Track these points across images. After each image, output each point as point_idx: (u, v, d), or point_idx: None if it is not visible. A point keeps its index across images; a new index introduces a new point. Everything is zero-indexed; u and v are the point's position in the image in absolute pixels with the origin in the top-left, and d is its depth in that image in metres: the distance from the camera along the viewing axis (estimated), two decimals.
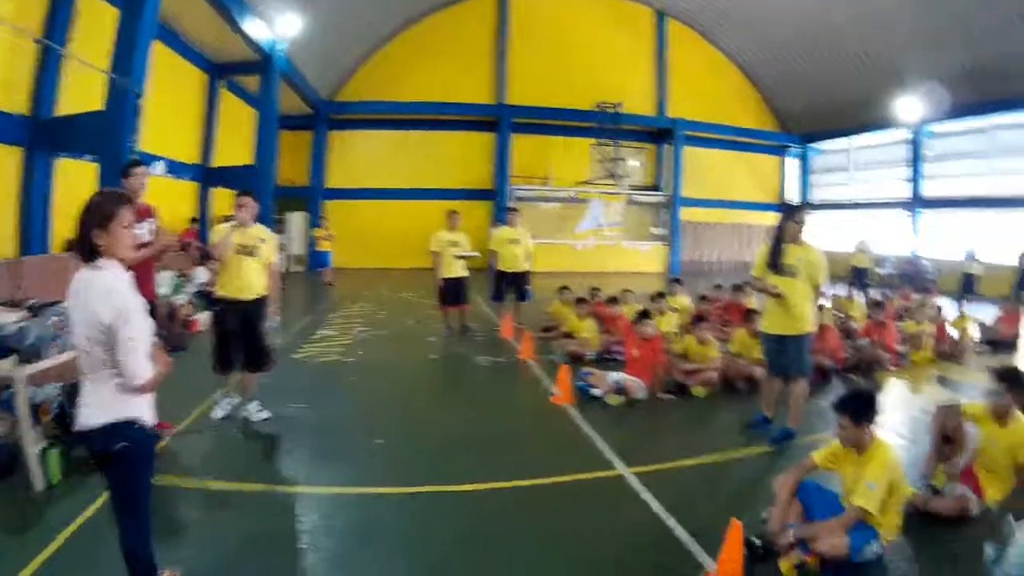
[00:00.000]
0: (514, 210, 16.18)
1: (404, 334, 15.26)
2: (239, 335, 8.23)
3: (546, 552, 5.45)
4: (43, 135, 13.91)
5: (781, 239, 8.14)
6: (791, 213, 8.27)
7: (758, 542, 5.22)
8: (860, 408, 5.34)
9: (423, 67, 32.47)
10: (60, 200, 14.34)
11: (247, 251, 8.25)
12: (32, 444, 6.32)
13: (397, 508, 6.18)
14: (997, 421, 6.20)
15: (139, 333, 3.80)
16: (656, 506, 6.20)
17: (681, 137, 34.94)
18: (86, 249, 3.80)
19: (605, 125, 32.46)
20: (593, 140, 33.14)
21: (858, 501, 5.07)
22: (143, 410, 4.00)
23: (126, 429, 3.88)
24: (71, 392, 7.30)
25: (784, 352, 8.14)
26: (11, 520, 5.76)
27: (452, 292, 14.61)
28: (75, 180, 14.55)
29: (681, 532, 5.69)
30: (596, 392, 9.90)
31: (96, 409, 3.86)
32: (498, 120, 32.88)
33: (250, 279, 8.28)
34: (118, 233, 3.86)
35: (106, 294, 3.72)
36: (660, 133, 35.70)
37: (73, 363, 6.54)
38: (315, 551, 5.28)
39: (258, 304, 8.40)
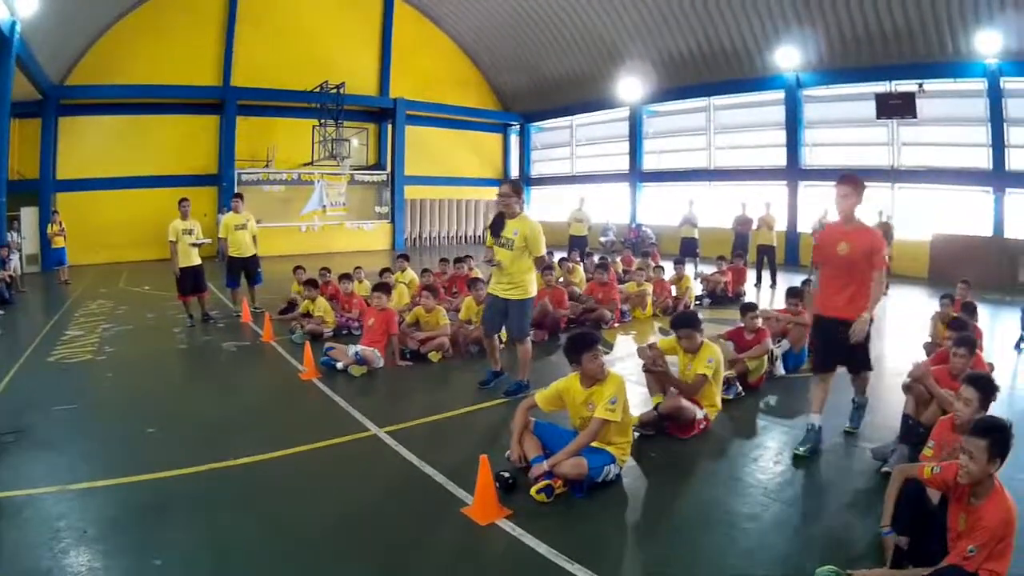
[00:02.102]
0: (239, 195, 16.47)
1: (149, 327, 15.34)
2: None
3: (316, 506, 6.06)
4: None
5: (501, 213, 9.13)
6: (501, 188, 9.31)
7: (506, 474, 6.05)
8: (579, 346, 6.34)
9: (153, 49, 31.15)
10: None
11: None
12: None
13: (184, 487, 6.47)
14: (687, 353, 7.98)
15: None
16: (411, 457, 7.02)
17: (402, 116, 35.74)
18: None
19: (327, 105, 32.64)
20: (315, 121, 33.20)
21: (601, 414, 6.08)
22: None
23: None
24: None
25: (504, 314, 9.21)
26: None
27: (191, 281, 14.74)
28: None
29: (437, 475, 6.49)
30: (340, 365, 10.66)
31: None
32: (223, 103, 32.31)
33: None
34: None
35: None
36: (383, 113, 36.31)
37: None
38: (120, 537, 5.47)
39: None
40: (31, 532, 5.58)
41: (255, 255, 15.82)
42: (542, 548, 5.09)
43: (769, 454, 7.18)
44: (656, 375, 7.84)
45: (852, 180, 6.95)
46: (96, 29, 30.24)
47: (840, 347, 6.94)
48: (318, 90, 32.83)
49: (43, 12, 22.19)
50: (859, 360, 7.25)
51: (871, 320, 6.88)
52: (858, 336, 6.71)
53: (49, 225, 24.96)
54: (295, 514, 5.91)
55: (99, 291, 20.99)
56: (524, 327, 9.17)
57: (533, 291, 9.25)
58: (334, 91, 32.47)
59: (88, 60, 30.43)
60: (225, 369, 11.94)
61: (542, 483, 5.81)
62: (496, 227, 9.12)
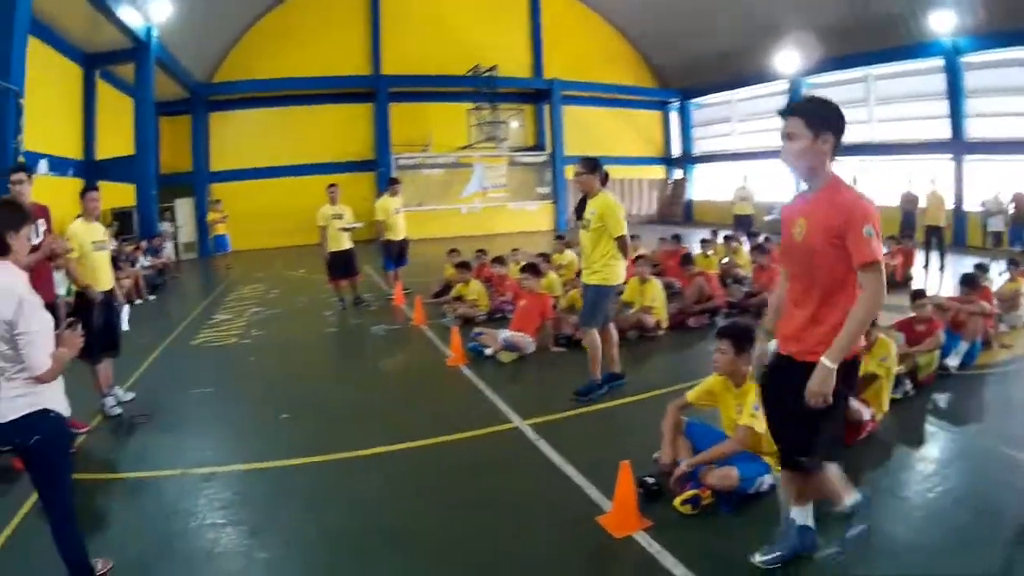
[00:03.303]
0: (395, 180, 16.37)
1: (299, 310, 15.50)
2: (101, 326, 8.24)
3: (448, 504, 5.71)
4: None
5: (585, 194, 8.42)
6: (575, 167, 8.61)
7: (651, 480, 5.48)
8: (742, 336, 5.47)
9: (297, 42, 31.96)
10: None
11: (101, 245, 8.39)
12: None
13: (307, 477, 6.36)
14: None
15: (38, 326, 3.93)
16: (552, 453, 6.47)
17: (558, 97, 35.06)
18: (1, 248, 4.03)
19: (481, 89, 32.46)
20: (470, 104, 33.09)
21: (745, 421, 5.35)
22: (55, 400, 4.12)
23: (38, 420, 3.98)
24: None
25: (584, 302, 8.47)
26: None
27: (341, 265, 14.70)
28: None
29: (577, 476, 5.94)
30: (488, 351, 10.21)
31: (5, 404, 3.95)
32: (375, 91, 32.66)
33: (107, 272, 8.50)
34: (23, 240, 4.16)
35: (4, 291, 3.88)
36: (538, 94, 35.83)
37: None
38: (232, 524, 5.39)
39: (112, 294, 8.59)
40: (148, 513, 5.72)
41: (406, 238, 15.72)
42: (679, 570, 4.48)
43: (935, 468, 6.16)
44: None
45: (799, 111, 4.08)
46: (237, 28, 31.34)
47: (783, 409, 4.25)
48: (470, 74, 32.60)
49: (179, 16, 23.18)
50: (791, 440, 4.26)
51: (839, 370, 3.85)
52: (811, 399, 3.85)
53: (210, 213, 26.01)
54: (416, 511, 5.63)
55: (254, 276, 21.44)
56: (593, 316, 8.20)
57: (615, 278, 8.20)
58: (486, 74, 32.30)
59: (233, 58, 31.61)
60: (371, 353, 11.78)
61: (688, 493, 5.21)
62: (579, 209, 8.46)
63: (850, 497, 4.68)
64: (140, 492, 6.25)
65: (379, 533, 5.25)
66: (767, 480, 5.37)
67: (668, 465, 5.63)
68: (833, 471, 4.57)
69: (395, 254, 15.64)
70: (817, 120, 3.98)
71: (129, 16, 20.20)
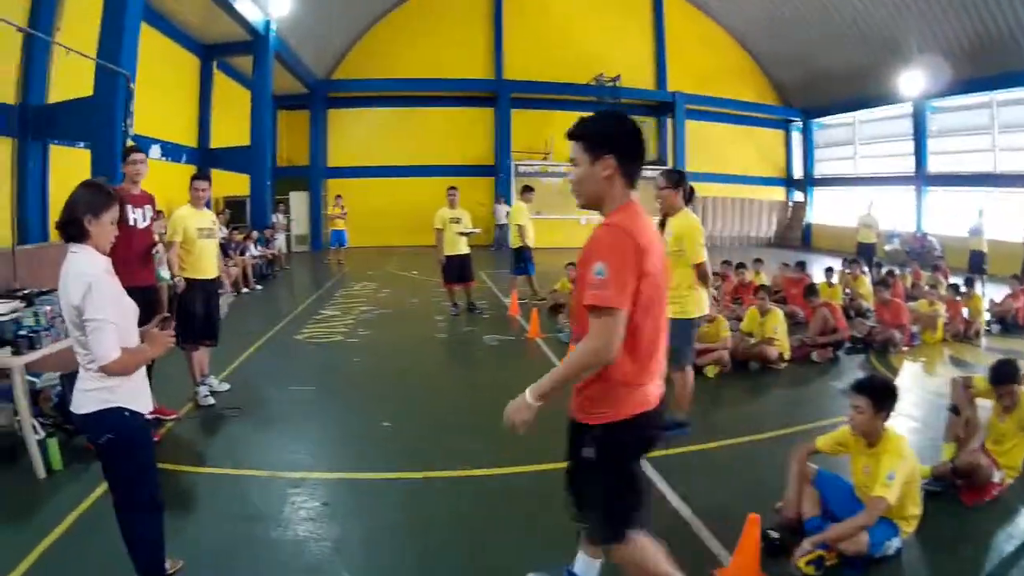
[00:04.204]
0: (529, 188, 16.01)
1: (410, 313, 15.28)
2: (202, 314, 8.25)
3: (550, 538, 5.05)
4: (34, 123, 13.77)
5: (666, 213, 7.52)
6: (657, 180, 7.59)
7: (775, 535, 5.00)
8: (882, 394, 4.97)
9: (418, 43, 32.26)
10: (56, 188, 14.23)
11: (207, 233, 8.37)
12: (31, 432, 6.34)
13: (400, 493, 6.07)
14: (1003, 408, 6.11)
15: (105, 314, 3.67)
16: (669, 493, 5.89)
17: (682, 111, 34.43)
18: (73, 232, 3.79)
19: (605, 99, 31.80)
20: (593, 114, 32.24)
21: (879, 491, 4.76)
22: (130, 397, 3.90)
23: (110, 418, 3.80)
24: (71, 379, 7.27)
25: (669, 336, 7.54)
26: (12, 508, 5.77)
27: (456, 269, 14.47)
28: (70, 167, 14.36)
29: (693, 519, 5.44)
30: None
31: (81, 396, 3.83)
32: (496, 95, 32.65)
33: (212, 260, 8.48)
34: (106, 225, 3.88)
35: (76, 276, 3.68)
36: (660, 107, 35.12)
37: (69, 351, 6.65)
38: (315, 539, 5.16)
39: (217, 282, 8.63)
40: (228, 514, 5.60)
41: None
42: None
43: None
44: (960, 420, 6.36)
45: (577, 133, 3.51)
46: (358, 27, 32.08)
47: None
48: (593, 83, 32.10)
49: (300, 12, 23.80)
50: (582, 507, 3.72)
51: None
52: (505, 422, 3.54)
53: (331, 208, 26.36)
54: (516, 545, 5.17)
55: (366, 273, 21.43)
56: (681, 352, 7.12)
57: (694, 310, 7.29)
58: (610, 84, 31.82)
59: (353, 56, 32.48)
60: (480, 364, 11.35)
61: (813, 554, 4.72)
62: (660, 227, 7.32)
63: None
64: (222, 489, 6.14)
65: (475, 565, 4.91)
66: (895, 543, 4.94)
67: (791, 519, 5.20)
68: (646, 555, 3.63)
69: (527, 260, 15.33)
70: (595, 142, 3.47)
71: (247, 9, 20.72)
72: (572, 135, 3.52)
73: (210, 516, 5.54)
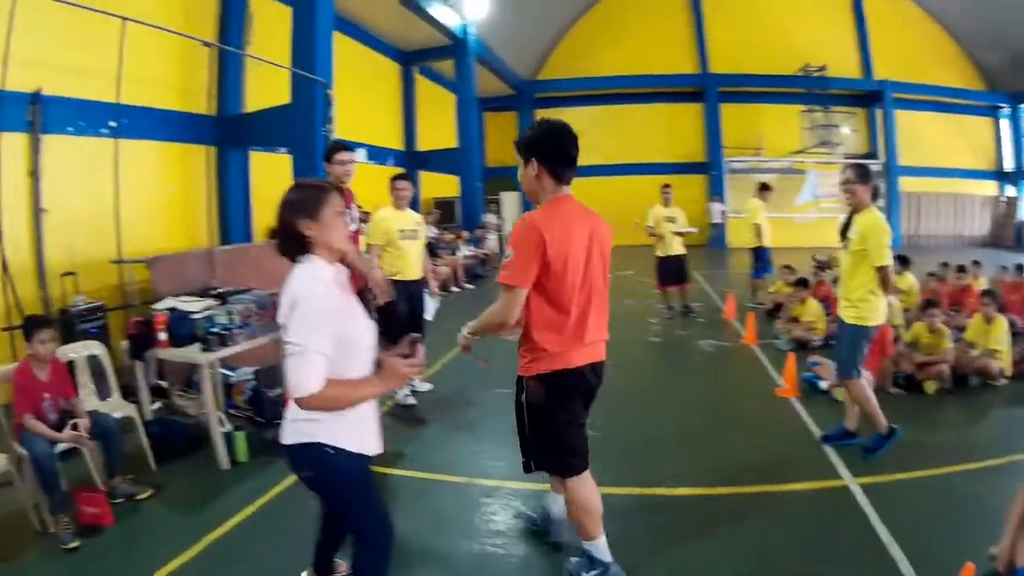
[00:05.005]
0: (767, 187, 15.49)
1: (624, 313, 14.86)
2: (406, 313, 8.31)
3: (746, 572, 4.92)
4: (232, 132, 14.57)
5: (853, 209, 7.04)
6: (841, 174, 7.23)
7: None
8: None
9: (618, 40, 32.37)
10: (259, 191, 15.11)
11: (410, 234, 8.50)
12: (217, 425, 6.86)
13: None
14: None
15: (309, 340, 3.14)
16: (880, 526, 5.36)
17: (890, 99, 32.55)
18: (292, 242, 3.40)
19: (813, 90, 31.11)
20: (802, 106, 31.70)
21: None
22: (340, 434, 3.41)
23: (309, 454, 3.40)
24: (265, 375, 7.98)
25: (838, 341, 7.16)
26: (191, 495, 6.20)
27: (672, 270, 14.25)
28: (272, 172, 15.35)
29: (902, 562, 4.86)
30: (823, 385, 9.09)
31: (285, 424, 3.45)
32: (703, 90, 32.24)
33: (415, 261, 8.57)
34: (329, 220, 3.41)
35: (287, 290, 3.26)
36: (867, 96, 33.39)
37: (265, 348, 7.34)
38: (502, 555, 5.11)
39: (422, 283, 8.70)
40: (417, 517, 5.67)
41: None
42: None
43: None
44: None
45: (517, 141, 4.48)
46: (557, 27, 32.61)
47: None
48: (800, 74, 31.41)
49: (499, 14, 24.41)
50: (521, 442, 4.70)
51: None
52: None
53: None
54: (704, 566, 4.93)
55: None
56: (849, 362, 6.84)
57: (874, 317, 6.74)
58: (816, 74, 31.03)
59: (556, 56, 33.10)
60: (694, 371, 10.94)
61: None
62: (845, 227, 7.01)
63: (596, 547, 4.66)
64: (414, 493, 6.20)
65: None
66: None
67: (1006, 572, 4.43)
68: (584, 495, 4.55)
69: (765, 260, 15.12)
70: (524, 147, 4.31)
71: (443, 15, 21.41)
72: (516, 141, 4.41)
73: (398, 519, 5.38)
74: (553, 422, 4.36)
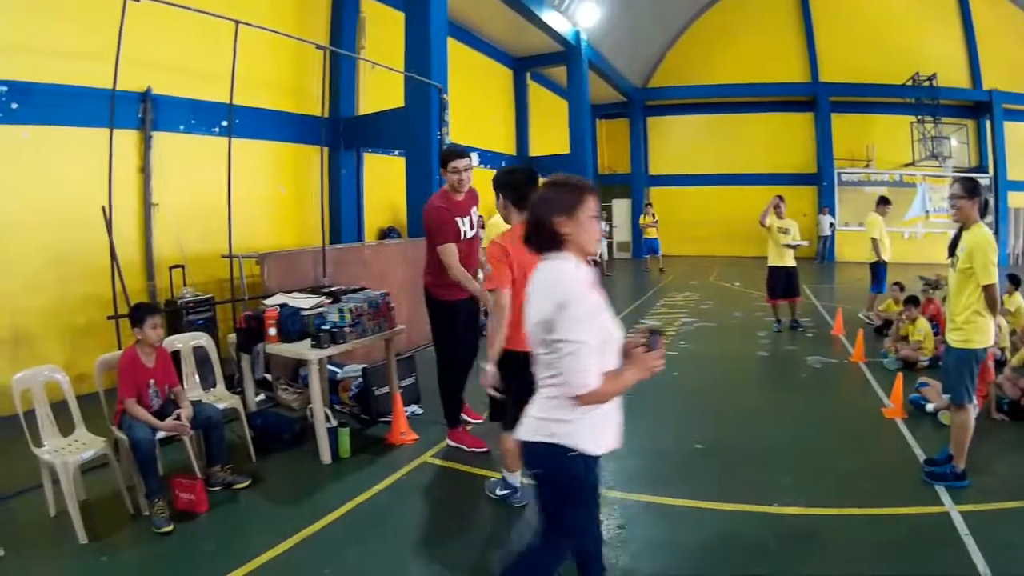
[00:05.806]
0: (886, 200, 15.16)
1: (732, 327, 14.93)
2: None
3: None
4: (346, 133, 14.97)
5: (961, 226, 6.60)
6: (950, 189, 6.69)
7: None
8: None
9: (729, 48, 32.19)
10: (370, 193, 15.42)
11: None
12: (322, 420, 6.94)
13: (696, 524, 5.74)
14: None
15: (583, 336, 3.21)
16: (979, 559, 5.00)
17: (999, 110, 31.12)
18: (547, 237, 3.46)
19: (923, 100, 30.16)
20: (912, 117, 30.69)
21: None
22: (583, 436, 3.40)
23: (546, 453, 3.44)
24: (373, 373, 8.03)
25: (944, 365, 6.83)
26: (291, 488, 6.37)
27: (782, 283, 14.04)
28: (386, 173, 15.71)
29: None
30: (930, 407, 8.63)
31: (528, 420, 3.50)
32: (814, 98, 31.66)
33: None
34: (584, 223, 3.46)
35: (547, 288, 3.34)
36: (977, 107, 32.00)
37: (374, 346, 7.70)
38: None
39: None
40: (509, 522, 5.73)
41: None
42: None
43: None
44: None
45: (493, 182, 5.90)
46: (669, 34, 32.56)
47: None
48: (910, 83, 30.44)
49: (609, 22, 24.66)
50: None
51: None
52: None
53: (642, 216, 27.00)
54: None
55: (687, 283, 21.57)
56: (959, 386, 6.39)
57: (981, 340, 6.29)
58: (926, 83, 30.09)
59: (667, 63, 33.02)
60: (800, 387, 10.65)
61: None
62: (953, 244, 6.57)
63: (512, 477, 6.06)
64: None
65: None
66: None
67: None
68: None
69: (881, 276, 14.67)
70: (496, 187, 5.80)
71: (556, 21, 21.54)
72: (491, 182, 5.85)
73: (478, 526, 5.67)
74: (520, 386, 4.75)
